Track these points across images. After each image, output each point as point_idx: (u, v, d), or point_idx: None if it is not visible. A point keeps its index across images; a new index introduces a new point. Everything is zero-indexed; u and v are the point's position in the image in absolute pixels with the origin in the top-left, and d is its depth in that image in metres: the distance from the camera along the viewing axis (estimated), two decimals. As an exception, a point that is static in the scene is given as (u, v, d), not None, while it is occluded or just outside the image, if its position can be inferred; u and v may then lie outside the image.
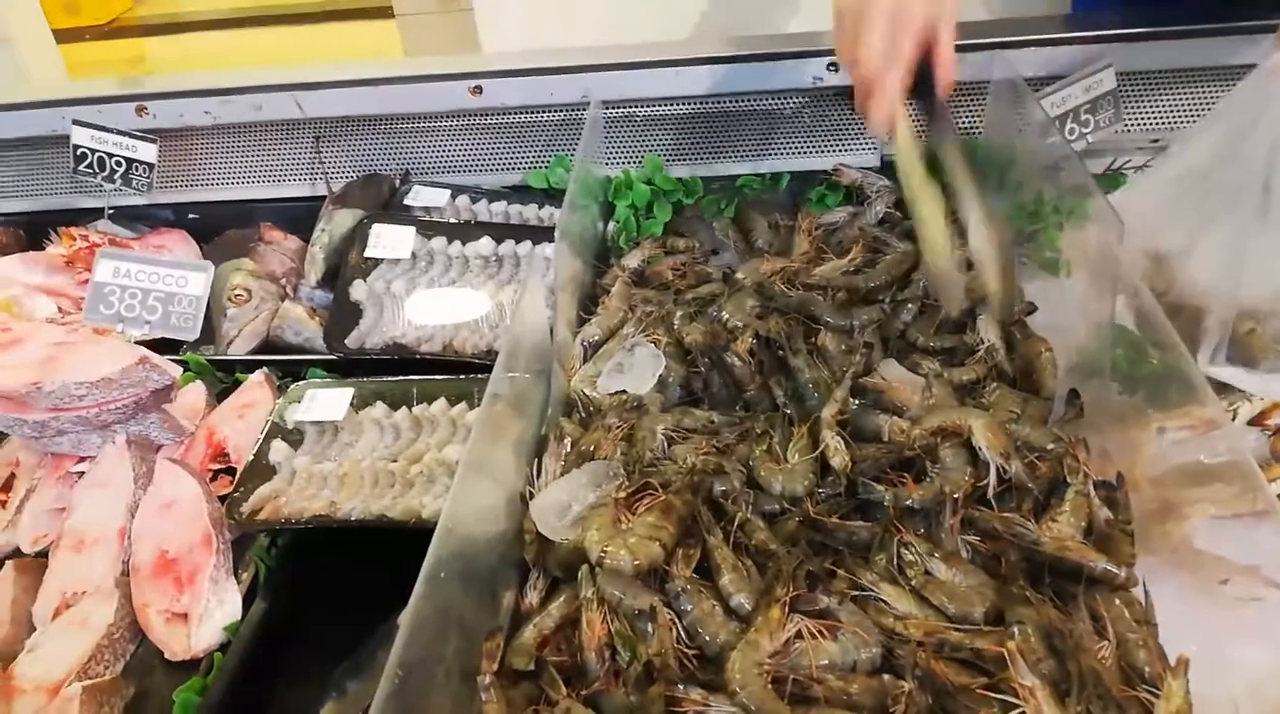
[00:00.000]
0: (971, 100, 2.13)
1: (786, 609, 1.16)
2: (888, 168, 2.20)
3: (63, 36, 5.10)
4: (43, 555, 1.52)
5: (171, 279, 1.87)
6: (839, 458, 1.40)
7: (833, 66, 2.04)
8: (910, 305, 1.75)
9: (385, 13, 5.09)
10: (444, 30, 4.66)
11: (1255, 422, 1.54)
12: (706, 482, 1.38)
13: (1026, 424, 1.47)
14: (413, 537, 1.44)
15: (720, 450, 1.48)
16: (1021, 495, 1.34)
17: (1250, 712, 1.08)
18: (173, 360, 1.89)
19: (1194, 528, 1.24)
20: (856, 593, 1.23)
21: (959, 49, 1.98)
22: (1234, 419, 1.52)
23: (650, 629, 1.18)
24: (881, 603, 1.22)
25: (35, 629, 1.43)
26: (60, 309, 2.13)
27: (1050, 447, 1.38)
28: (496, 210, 2.25)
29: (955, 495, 1.32)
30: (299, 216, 2.31)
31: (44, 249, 2.32)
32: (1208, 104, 2.14)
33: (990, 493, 1.33)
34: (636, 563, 1.21)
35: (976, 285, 1.74)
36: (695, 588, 1.21)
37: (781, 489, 1.39)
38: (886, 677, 1.13)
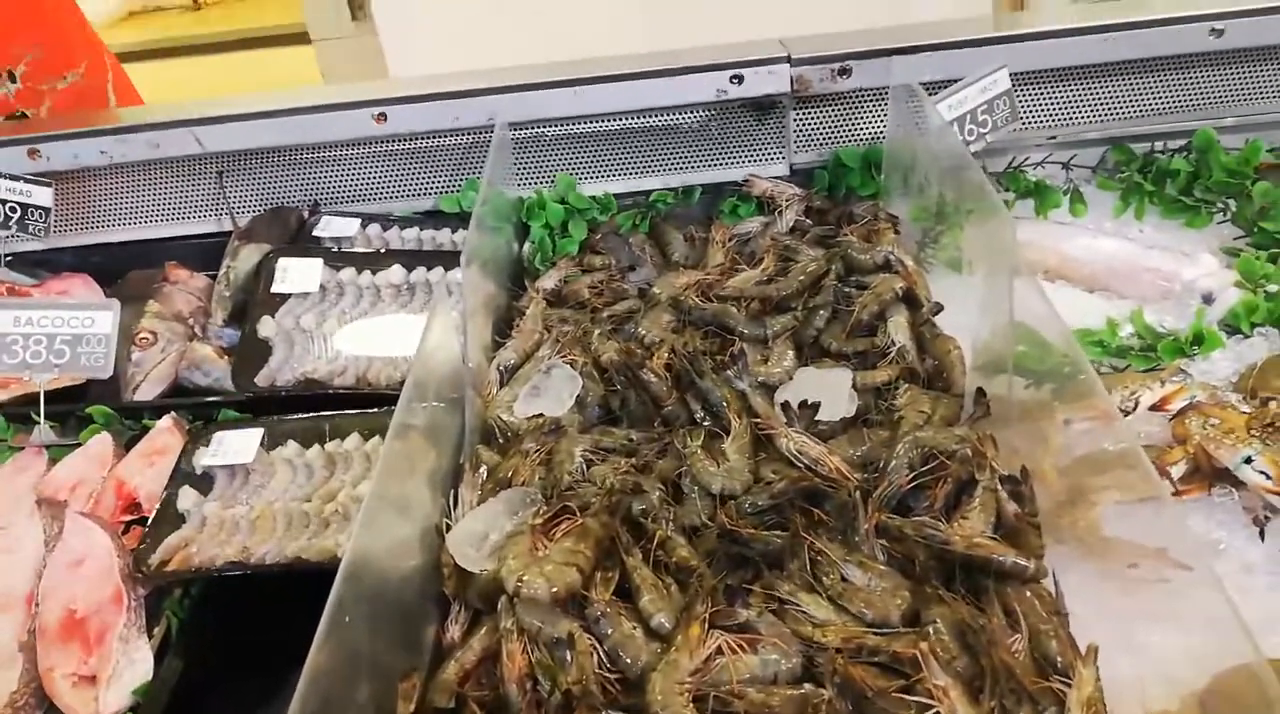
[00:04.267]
0: (874, 106, 2.17)
1: (706, 626, 1.16)
2: (797, 174, 2.23)
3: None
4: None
5: (77, 321, 1.81)
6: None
7: (736, 79, 2.06)
8: (822, 311, 1.76)
9: (301, 39, 5.01)
10: (359, 53, 4.61)
11: (1158, 407, 1.58)
12: (625, 501, 1.37)
13: (937, 424, 1.49)
14: (329, 577, 1.43)
15: (639, 468, 1.48)
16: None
17: (1159, 693, 1.11)
18: (76, 413, 1.85)
19: (1101, 515, 1.26)
20: (776, 605, 1.24)
21: (857, 56, 2.04)
22: (1136, 407, 1.55)
23: (569, 657, 1.16)
24: (801, 612, 1.23)
25: (-65, 702, 1.36)
26: (-44, 363, 2.05)
27: (956, 447, 1.39)
28: (409, 237, 2.22)
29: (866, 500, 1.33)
30: (206, 253, 2.25)
31: (-63, 301, 2.23)
32: (1101, 100, 2.20)
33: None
34: (554, 590, 1.20)
35: (884, 287, 1.77)
36: (615, 611, 1.20)
37: (721, 488, 1.39)
38: (807, 686, 1.13)
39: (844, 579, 1.27)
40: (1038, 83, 2.20)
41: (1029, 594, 1.18)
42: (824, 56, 2.04)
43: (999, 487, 1.29)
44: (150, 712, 1.33)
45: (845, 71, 2.05)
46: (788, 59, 2.04)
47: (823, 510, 1.38)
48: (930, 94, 1.91)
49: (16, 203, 2.21)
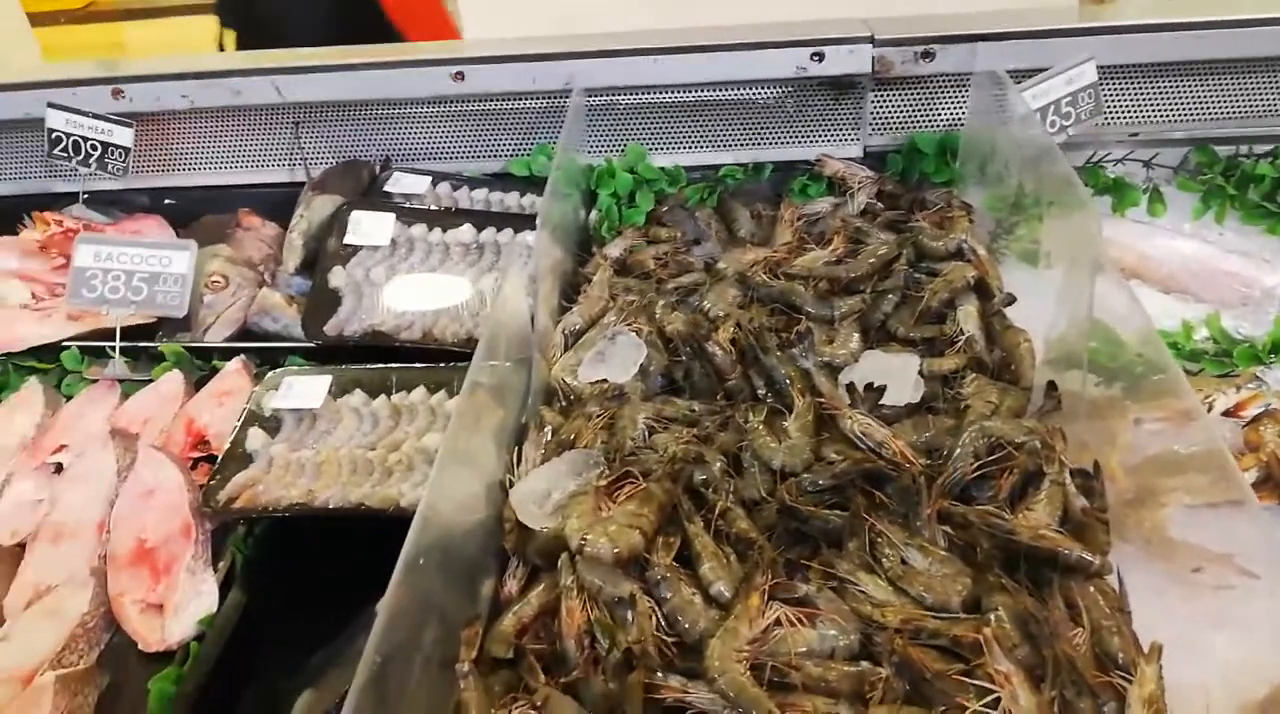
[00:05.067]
0: (954, 92, 2.14)
1: (766, 597, 1.17)
2: (870, 158, 2.21)
3: (37, 20, 5.02)
4: (20, 546, 1.50)
5: (155, 259, 1.86)
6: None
7: (817, 57, 2.04)
8: (891, 296, 1.75)
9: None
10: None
11: (1231, 413, 1.55)
12: (687, 470, 1.38)
13: (1004, 415, 1.48)
14: (391, 524, 1.45)
15: (701, 439, 1.48)
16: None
17: (1222, 699, 1.10)
18: (149, 348, 1.89)
19: (1168, 517, 1.25)
20: (834, 583, 1.24)
21: (942, 40, 2.01)
22: (1210, 410, 1.53)
23: (630, 617, 1.18)
24: (859, 591, 1.23)
25: (5, 620, 1.41)
26: (34, 295, 2.10)
27: (1024, 438, 1.38)
28: (477, 198, 2.24)
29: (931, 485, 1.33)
30: (277, 203, 2.29)
31: (17, 234, 2.29)
32: (1186, 99, 2.15)
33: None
34: (616, 551, 1.21)
35: (955, 275, 1.75)
36: (675, 576, 1.21)
37: (782, 464, 1.39)
38: (864, 663, 1.13)
39: (904, 562, 1.27)
40: (1123, 77, 2.15)
41: (1092, 590, 1.17)
42: (908, 39, 2.01)
43: (1067, 480, 1.28)
44: (213, 642, 1.37)
45: (928, 55, 2.02)
46: (871, 39, 2.02)
47: (884, 493, 1.38)
48: (1014, 83, 1.88)
49: (98, 141, 2.26)
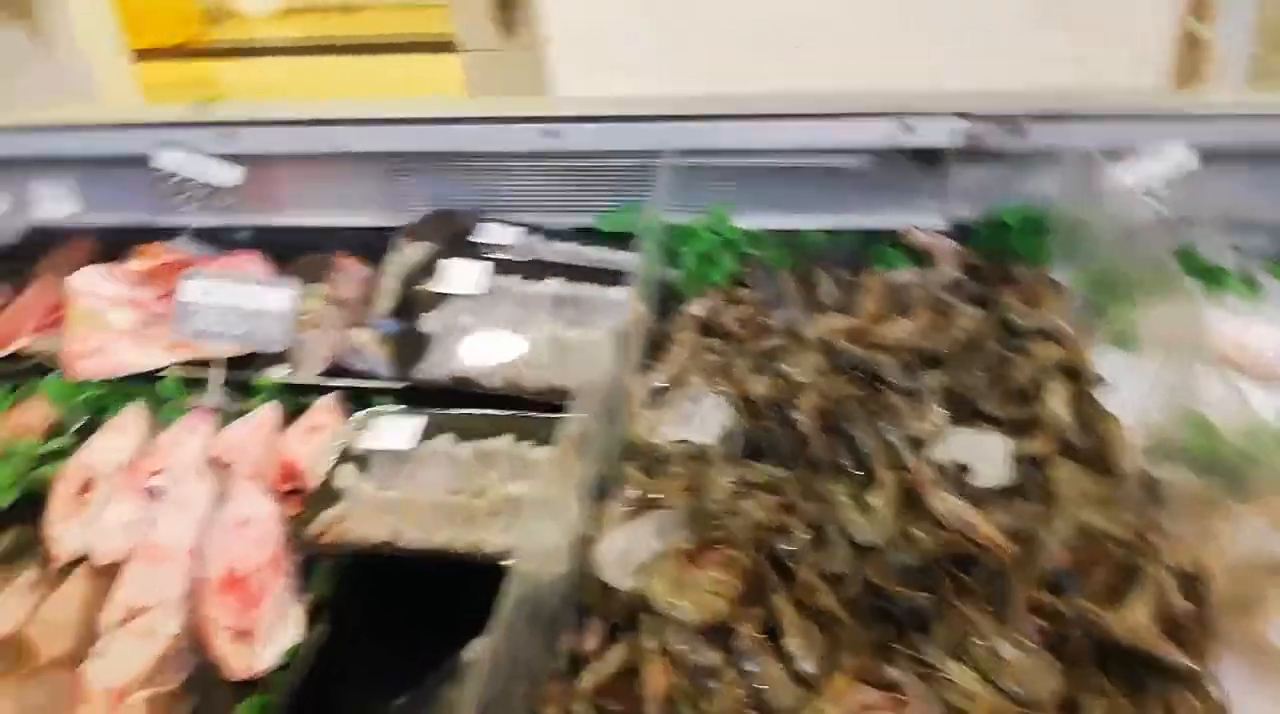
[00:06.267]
0: (1044, 168, 2.14)
1: (853, 679, 1.16)
2: (955, 231, 2.21)
3: (136, 56, 5.27)
4: (115, 566, 1.55)
5: (257, 296, 1.92)
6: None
7: (906, 128, 2.06)
8: (978, 371, 1.74)
9: (447, 47, 5.20)
10: (506, 67, 4.76)
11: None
12: (772, 539, 1.38)
13: (1098, 505, 1.46)
14: (473, 570, 1.48)
15: (785, 507, 1.49)
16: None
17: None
18: (245, 380, 1.95)
19: (1275, 626, 1.21)
20: (921, 668, 1.22)
21: (1035, 117, 2.01)
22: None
23: (713, 686, 1.17)
24: (947, 679, 1.21)
25: (98, 636, 1.45)
26: (138, 322, 2.18)
27: (1120, 531, 1.36)
28: (564, 251, 2.28)
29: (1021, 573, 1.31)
30: (370, 246, 2.35)
31: (126, 264, 2.39)
32: (1282, 185, 2.13)
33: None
34: (701, 617, 1.21)
35: (1045, 354, 1.74)
36: (761, 648, 1.21)
37: (866, 538, 1.38)
38: (952, 755, 1.11)
39: (994, 652, 1.25)
40: (1218, 161, 2.13)
41: (1192, 698, 1.14)
42: (1000, 115, 2.02)
43: (1167, 578, 1.25)
44: (297, 672, 1.40)
45: (1019, 131, 2.03)
46: (963, 113, 2.03)
47: (971, 577, 1.36)
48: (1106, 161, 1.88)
49: (208, 181, 2.36)
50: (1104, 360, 1.77)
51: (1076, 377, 1.72)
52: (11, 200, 2.44)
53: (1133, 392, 1.65)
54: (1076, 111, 2.00)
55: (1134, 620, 1.21)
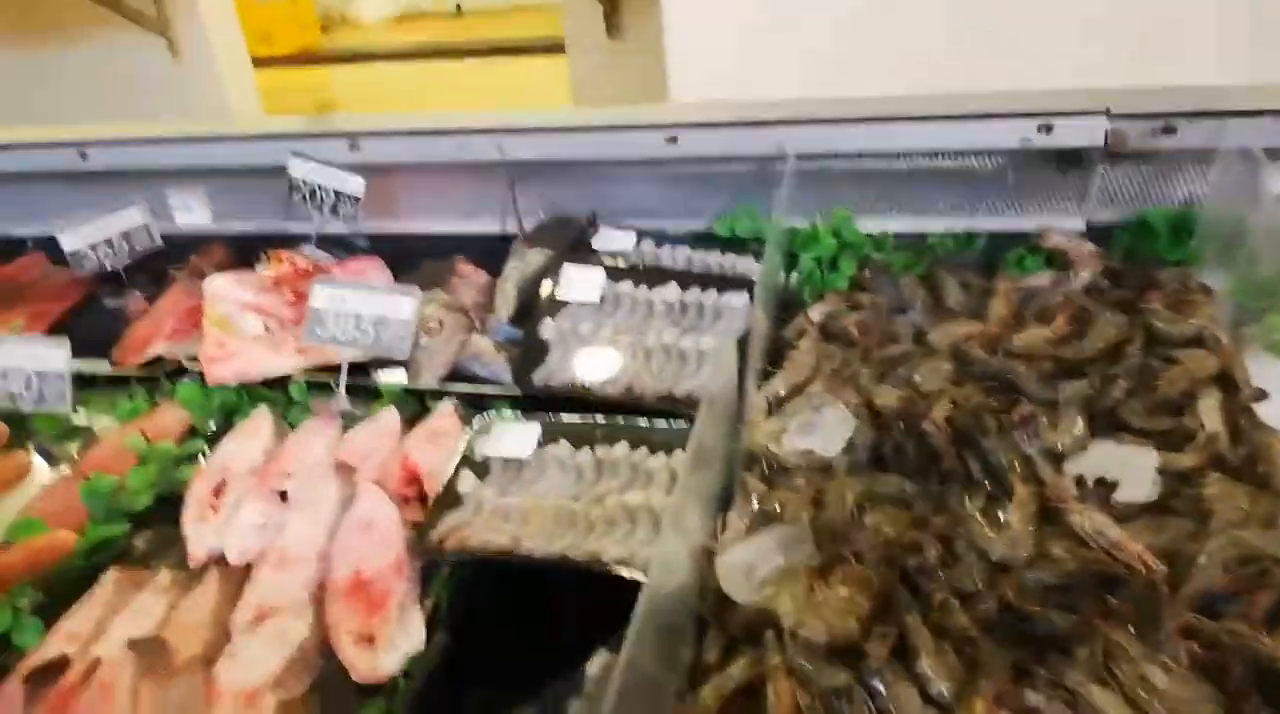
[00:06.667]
0: (1193, 169, 2.01)
1: (990, 704, 1.09)
2: (1094, 233, 2.10)
3: (256, 63, 5.50)
4: (247, 567, 1.60)
5: (383, 304, 1.96)
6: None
7: (1044, 128, 1.96)
8: (1122, 382, 1.64)
9: (556, 49, 5.25)
10: (614, 70, 4.77)
11: None
12: (903, 556, 1.32)
13: (1256, 524, 1.35)
14: (589, 578, 1.47)
15: (914, 522, 1.42)
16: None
17: None
18: (369, 385, 1.99)
19: None
20: (1064, 693, 1.15)
21: (1187, 115, 1.89)
22: None
23: (844, 708, 1.13)
24: (1091, 705, 1.14)
25: (229, 637, 1.49)
26: (266, 327, 2.26)
27: (1284, 553, 1.25)
28: (680, 256, 2.26)
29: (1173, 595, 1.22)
30: (489, 252, 2.38)
31: (254, 270, 2.48)
32: None
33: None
34: (831, 636, 1.17)
35: (1197, 364, 1.63)
36: (893, 670, 1.16)
37: (1002, 556, 1.32)
38: (1103, 789, 1.04)
39: (1143, 679, 1.17)
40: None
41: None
42: (1147, 113, 1.91)
43: (1344, 608, 1.15)
44: (419, 678, 1.41)
45: (1170, 130, 1.91)
46: (1106, 112, 1.93)
47: (1116, 598, 1.28)
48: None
49: (334, 189, 2.43)
50: (1260, 371, 1.64)
51: (1230, 388, 1.61)
52: (149, 210, 2.56)
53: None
54: (1234, 109, 1.87)
55: (1303, 652, 1.12)
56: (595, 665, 1.24)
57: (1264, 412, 1.58)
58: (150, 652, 1.40)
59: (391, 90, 8.72)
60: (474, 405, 1.94)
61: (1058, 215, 2.12)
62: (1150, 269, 1.97)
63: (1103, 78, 1.99)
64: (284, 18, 9.78)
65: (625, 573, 1.44)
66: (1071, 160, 2.04)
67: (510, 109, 2.45)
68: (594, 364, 1.92)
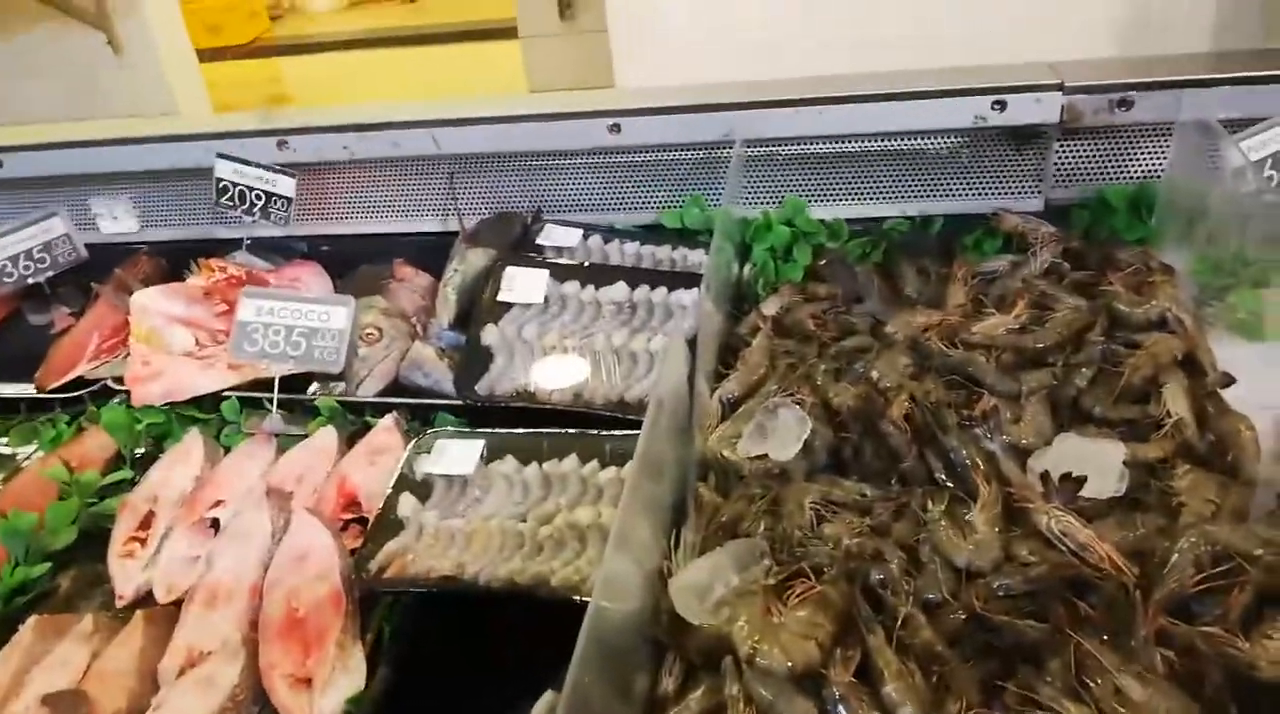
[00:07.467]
0: (1151, 143, 1.95)
1: (961, 729, 1.04)
2: (1052, 212, 2.04)
3: (205, 55, 5.32)
4: (175, 605, 1.50)
5: (314, 315, 1.87)
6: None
7: (998, 105, 1.90)
8: (1084, 370, 1.58)
9: (511, 33, 5.12)
10: (568, 53, 4.66)
11: None
12: (863, 568, 1.26)
13: (1228, 517, 1.31)
14: (537, 603, 1.39)
15: (875, 530, 1.36)
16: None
17: None
18: (304, 400, 1.89)
19: None
20: (1034, 710, 1.10)
21: (1143, 87, 1.83)
22: None
23: (805, 741, 1.06)
24: (1065, 723, 1.08)
25: (159, 686, 1.40)
26: (197, 341, 2.15)
27: (1260, 550, 1.20)
28: (629, 251, 2.18)
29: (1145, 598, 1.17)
30: (427, 252, 2.29)
31: (184, 279, 2.36)
32: None
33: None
34: (790, 664, 1.10)
35: (1161, 348, 1.58)
36: (856, 697, 1.09)
37: (968, 563, 1.27)
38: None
39: (1117, 690, 1.11)
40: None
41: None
42: (1103, 85, 1.85)
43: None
44: (362, 720, 1.32)
45: (1126, 103, 1.85)
46: (1060, 86, 1.86)
47: (1087, 603, 1.22)
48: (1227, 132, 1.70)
49: (263, 191, 2.31)
50: (1223, 351, 1.60)
51: (1197, 371, 1.56)
52: (70, 218, 2.42)
53: (1259, 385, 1.48)
54: (1191, 79, 1.81)
55: (1277, 651, 1.07)
56: (544, 704, 1.16)
57: (1230, 394, 1.53)
58: (68, 708, 1.30)
59: (346, 81, 8.51)
60: (419, 417, 1.85)
61: (1016, 195, 2.06)
62: (1110, 249, 1.91)
63: (1057, 52, 1.92)
64: (231, 8, 9.51)
65: (575, 597, 1.37)
66: (1025, 137, 1.97)
67: (451, 98, 2.34)
68: (540, 370, 1.84)
